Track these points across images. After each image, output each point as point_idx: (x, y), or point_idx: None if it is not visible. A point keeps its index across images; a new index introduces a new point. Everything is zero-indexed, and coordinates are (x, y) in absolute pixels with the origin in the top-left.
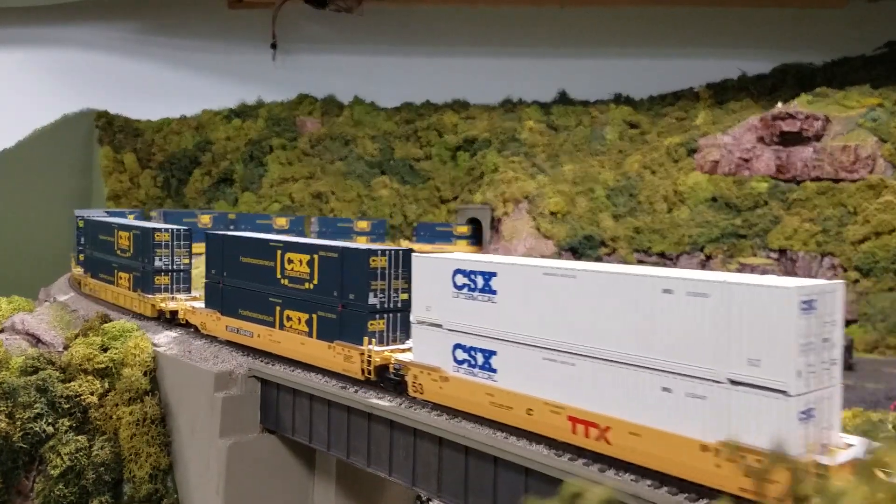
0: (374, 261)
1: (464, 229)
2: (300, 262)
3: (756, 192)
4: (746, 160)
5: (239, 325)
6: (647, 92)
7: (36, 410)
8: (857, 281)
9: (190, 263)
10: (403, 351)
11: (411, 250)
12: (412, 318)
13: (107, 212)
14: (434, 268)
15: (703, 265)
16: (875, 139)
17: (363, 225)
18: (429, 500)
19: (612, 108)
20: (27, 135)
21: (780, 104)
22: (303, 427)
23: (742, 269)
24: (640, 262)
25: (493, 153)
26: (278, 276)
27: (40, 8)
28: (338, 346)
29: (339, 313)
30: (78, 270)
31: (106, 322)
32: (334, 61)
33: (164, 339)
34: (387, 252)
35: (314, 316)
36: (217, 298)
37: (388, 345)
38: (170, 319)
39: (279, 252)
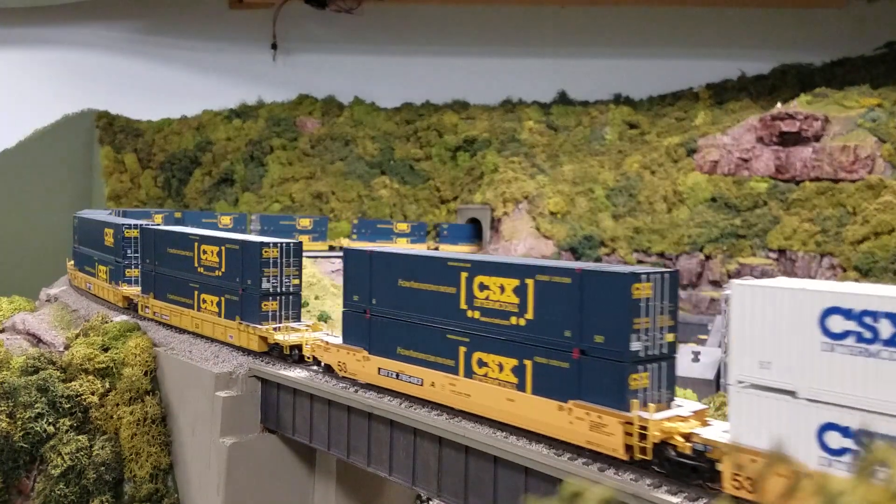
0: (637, 289)
1: (404, 226)
2: (500, 288)
3: (755, 193)
4: (746, 160)
5: (399, 368)
6: (647, 92)
7: (37, 410)
8: (856, 281)
9: (300, 284)
10: (685, 419)
11: (677, 272)
12: (731, 377)
13: (113, 211)
14: (780, 303)
15: (703, 265)
16: (874, 139)
17: (305, 223)
18: (429, 499)
19: (611, 108)
20: (28, 135)
21: (779, 104)
22: (303, 427)
23: (741, 269)
24: (640, 262)
25: (492, 153)
26: (463, 306)
27: (41, 8)
28: (577, 408)
29: (575, 361)
30: (129, 290)
31: (107, 322)
32: (334, 61)
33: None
34: (652, 276)
35: (528, 362)
36: (362, 333)
37: (654, 408)
38: (285, 355)
39: (464, 275)
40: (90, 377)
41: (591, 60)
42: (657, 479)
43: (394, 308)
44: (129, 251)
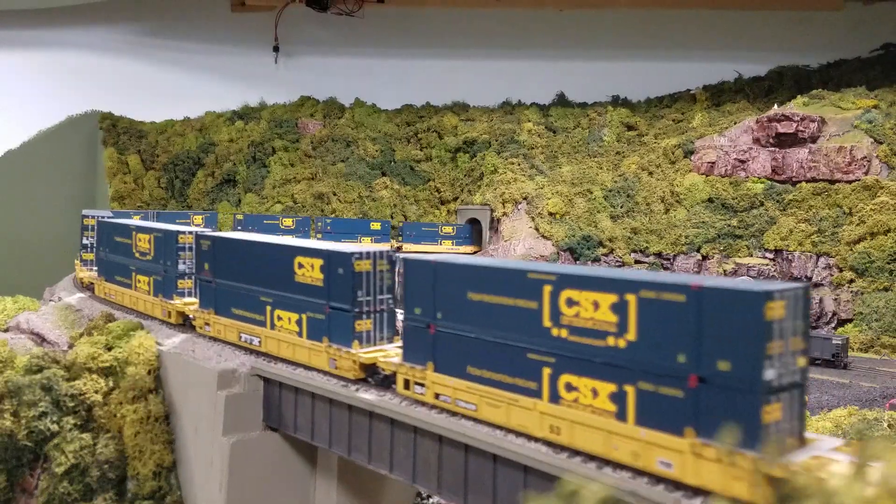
0: None
1: (289, 222)
2: None
3: (752, 193)
4: (742, 161)
5: None
6: (645, 94)
7: (41, 409)
8: (852, 281)
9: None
10: None
11: None
12: None
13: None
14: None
15: (700, 265)
16: (870, 140)
17: (198, 220)
18: (429, 496)
19: (609, 109)
20: (32, 136)
21: (776, 106)
22: (305, 425)
23: (738, 269)
24: (638, 262)
25: (492, 155)
26: None
27: (45, 10)
28: None
29: None
30: (374, 355)
31: (111, 321)
32: (336, 64)
33: None
34: None
35: None
36: None
37: None
38: None
39: None
40: (94, 376)
41: (589, 63)
42: (653, 478)
43: None
44: (359, 293)
